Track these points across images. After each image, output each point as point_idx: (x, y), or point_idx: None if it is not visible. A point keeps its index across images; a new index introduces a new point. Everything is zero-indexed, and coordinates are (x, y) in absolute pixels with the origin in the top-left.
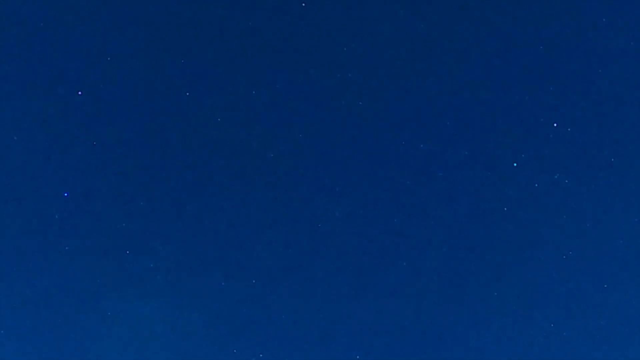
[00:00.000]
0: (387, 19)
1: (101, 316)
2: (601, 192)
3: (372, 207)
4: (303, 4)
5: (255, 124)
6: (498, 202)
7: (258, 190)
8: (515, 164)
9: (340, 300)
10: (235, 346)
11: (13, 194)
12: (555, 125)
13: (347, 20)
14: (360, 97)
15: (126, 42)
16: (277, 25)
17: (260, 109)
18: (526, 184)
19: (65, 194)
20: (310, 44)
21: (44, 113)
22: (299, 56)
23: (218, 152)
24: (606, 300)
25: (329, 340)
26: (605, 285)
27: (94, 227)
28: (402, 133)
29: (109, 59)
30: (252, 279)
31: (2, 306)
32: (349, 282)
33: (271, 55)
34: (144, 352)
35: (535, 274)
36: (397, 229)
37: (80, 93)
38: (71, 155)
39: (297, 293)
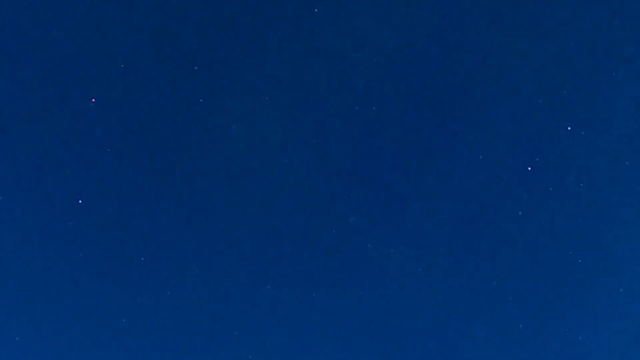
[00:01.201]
0: (403, 18)
1: (118, 323)
2: (616, 195)
3: (386, 210)
4: (316, 10)
5: (272, 133)
6: (512, 206)
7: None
8: (529, 168)
9: (348, 302)
10: (250, 353)
11: (27, 200)
12: (569, 128)
13: (358, 23)
14: (379, 102)
15: (141, 50)
16: (289, 29)
17: (277, 117)
18: (540, 188)
19: (80, 201)
20: (321, 47)
21: (57, 119)
22: (314, 62)
23: (234, 161)
24: (623, 304)
25: (341, 344)
26: (621, 289)
27: (109, 234)
28: (416, 137)
29: (122, 65)
30: (267, 285)
31: (19, 314)
32: (360, 284)
33: (286, 62)
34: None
35: (551, 278)
36: (410, 234)
37: (94, 100)
38: (85, 162)
39: (306, 297)
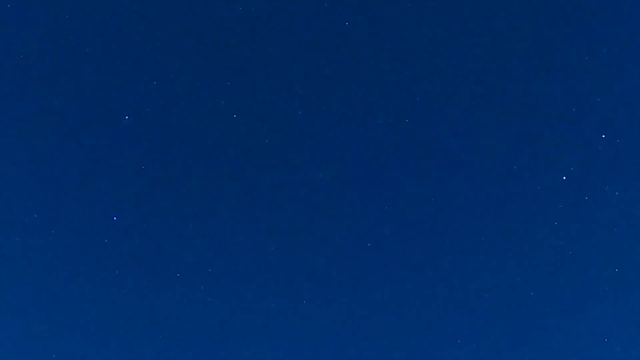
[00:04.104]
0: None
1: (153, 338)
2: None
3: (413, 211)
4: (347, 23)
5: (303, 147)
6: (549, 216)
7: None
8: (564, 177)
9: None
10: None
11: (63, 219)
12: (603, 136)
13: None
14: (402, 111)
15: (174, 67)
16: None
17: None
18: (576, 197)
19: (115, 218)
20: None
21: (90, 137)
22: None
23: (270, 179)
24: None
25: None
26: None
27: (143, 251)
28: (446, 145)
29: (154, 82)
30: (303, 300)
31: (57, 329)
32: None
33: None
34: None
35: (589, 287)
36: (444, 244)
37: (127, 117)
38: (120, 180)
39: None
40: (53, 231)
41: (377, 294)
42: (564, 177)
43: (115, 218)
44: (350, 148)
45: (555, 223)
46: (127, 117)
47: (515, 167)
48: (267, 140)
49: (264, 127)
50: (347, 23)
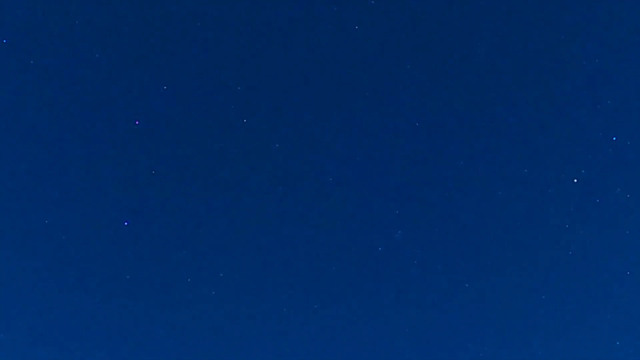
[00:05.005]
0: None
1: (165, 343)
2: None
3: (424, 215)
4: (356, 27)
5: (315, 151)
6: (560, 218)
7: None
8: (575, 180)
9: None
10: None
11: (73, 223)
12: (614, 139)
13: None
14: (417, 117)
15: (184, 73)
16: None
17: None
18: (587, 200)
19: (126, 223)
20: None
21: (101, 142)
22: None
23: (281, 182)
24: None
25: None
26: None
27: (155, 256)
28: (457, 149)
29: (165, 87)
30: (314, 304)
31: (66, 333)
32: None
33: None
34: None
35: (600, 290)
36: (453, 244)
37: (137, 122)
38: (130, 184)
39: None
40: (64, 237)
41: (388, 297)
42: (575, 180)
43: (126, 223)
44: (361, 152)
45: (567, 226)
46: (137, 122)
47: (525, 170)
48: (277, 145)
49: (274, 131)
50: (356, 27)
